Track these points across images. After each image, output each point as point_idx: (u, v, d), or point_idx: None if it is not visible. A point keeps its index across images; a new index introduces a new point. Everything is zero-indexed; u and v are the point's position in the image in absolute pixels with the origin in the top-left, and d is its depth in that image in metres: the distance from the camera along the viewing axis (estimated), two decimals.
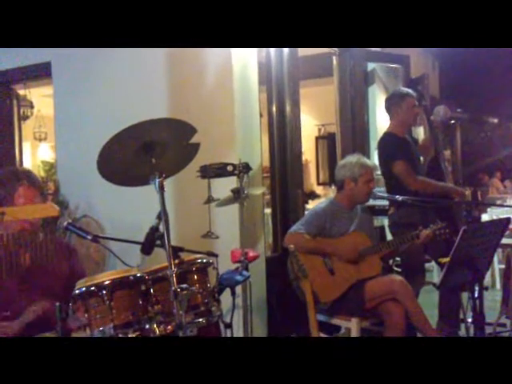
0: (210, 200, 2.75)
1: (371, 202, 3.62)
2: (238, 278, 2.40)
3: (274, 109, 3.94)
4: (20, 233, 1.82)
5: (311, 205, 5.15)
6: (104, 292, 1.79)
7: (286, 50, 3.82)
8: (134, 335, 1.83)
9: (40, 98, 6.43)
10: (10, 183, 2.09)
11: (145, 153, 1.80)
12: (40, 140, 8.08)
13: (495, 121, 3.14)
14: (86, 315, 1.81)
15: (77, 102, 3.91)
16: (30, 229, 1.90)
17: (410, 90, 3.59)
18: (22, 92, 5.43)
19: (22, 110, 5.70)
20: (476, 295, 2.54)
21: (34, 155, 8.63)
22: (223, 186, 2.87)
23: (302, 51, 3.98)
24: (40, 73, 4.20)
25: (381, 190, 3.53)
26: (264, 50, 3.81)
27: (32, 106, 6.52)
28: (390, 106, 3.58)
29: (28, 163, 7.68)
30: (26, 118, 6.35)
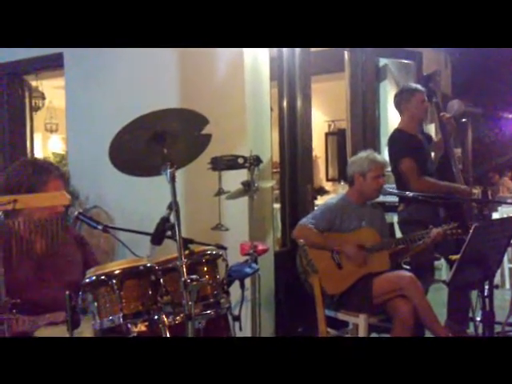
0: (220, 192, 2.75)
1: (381, 199, 3.60)
2: (248, 270, 2.40)
3: (285, 104, 3.93)
4: (33, 220, 1.83)
5: (320, 201, 5.14)
6: (114, 281, 1.79)
7: None
8: (142, 325, 1.84)
9: (51, 89, 6.45)
10: (42, 175, 2.12)
11: (156, 143, 1.79)
12: (51, 132, 8.11)
13: (510, 116, 3.10)
14: (96, 304, 1.81)
15: (88, 93, 3.91)
16: (48, 216, 1.91)
17: (418, 86, 3.57)
18: (33, 83, 5.44)
19: (33, 101, 5.71)
20: (486, 293, 2.52)
21: (45, 147, 8.66)
22: (233, 179, 2.87)
23: None
24: (52, 63, 4.21)
25: (391, 186, 3.51)
26: None
27: (43, 97, 6.53)
28: (399, 101, 3.56)
29: (39, 155, 7.71)
30: (37, 109, 6.36)
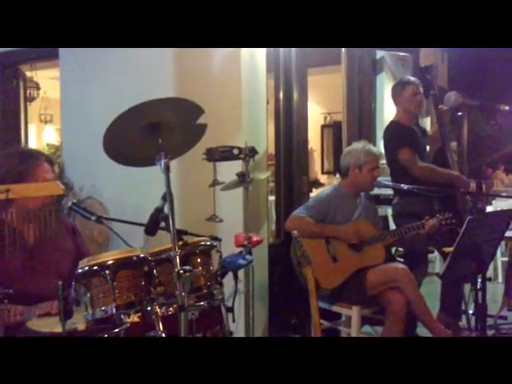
0: (215, 183, 2.75)
1: (376, 191, 3.60)
2: (241, 261, 2.40)
3: (281, 95, 3.92)
4: (25, 210, 1.82)
5: (315, 193, 5.14)
6: (107, 271, 1.78)
7: None
8: (135, 316, 1.84)
9: (46, 80, 6.41)
10: (30, 161, 2.11)
11: (151, 132, 1.78)
12: (46, 122, 8.08)
13: (506, 108, 3.10)
14: (89, 294, 1.81)
15: (83, 84, 3.88)
16: (41, 206, 1.91)
17: (412, 78, 3.57)
18: (28, 73, 5.41)
19: (28, 92, 5.68)
20: (479, 286, 2.53)
21: (40, 138, 8.62)
22: (228, 170, 2.86)
23: None
24: (47, 54, 4.17)
25: (386, 178, 3.52)
26: None
27: (38, 88, 6.50)
28: (393, 94, 3.58)
29: (33, 146, 7.68)
30: (32, 99, 6.33)
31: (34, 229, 1.87)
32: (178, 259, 1.71)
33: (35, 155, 2.17)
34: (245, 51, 3.40)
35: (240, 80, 3.38)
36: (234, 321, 2.34)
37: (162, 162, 1.77)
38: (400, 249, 3.72)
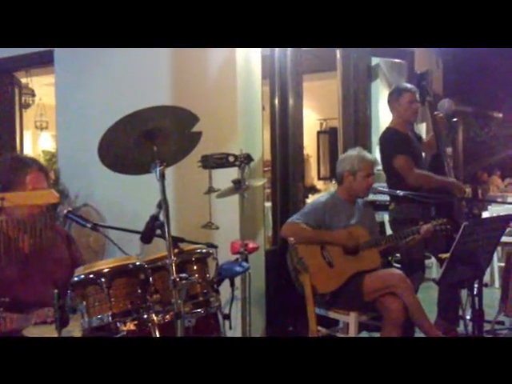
0: (210, 190, 2.74)
1: (372, 197, 3.61)
2: (238, 268, 2.40)
3: (277, 102, 3.93)
4: (20, 219, 1.81)
5: (311, 199, 5.14)
6: (103, 280, 1.78)
7: None
8: (131, 324, 1.83)
9: (41, 86, 6.41)
10: (21, 169, 2.10)
11: (146, 140, 1.78)
12: (41, 129, 8.07)
13: (500, 115, 3.13)
14: (84, 303, 1.80)
15: (79, 91, 3.89)
16: (35, 215, 1.90)
17: (409, 86, 3.58)
18: (23, 80, 5.41)
19: (23, 99, 5.68)
20: (475, 292, 2.54)
21: (35, 144, 8.61)
22: (224, 177, 2.86)
23: None
24: (42, 60, 4.18)
25: (382, 185, 3.52)
26: None
27: (33, 95, 6.50)
28: (390, 100, 3.59)
29: (29, 153, 7.66)
30: (27, 106, 6.33)
31: (29, 237, 1.85)
32: (173, 267, 1.70)
33: (28, 163, 2.15)
34: (240, 58, 3.41)
35: (235, 86, 3.38)
36: (230, 328, 2.33)
37: (157, 169, 1.77)
38: (397, 254, 3.72)
